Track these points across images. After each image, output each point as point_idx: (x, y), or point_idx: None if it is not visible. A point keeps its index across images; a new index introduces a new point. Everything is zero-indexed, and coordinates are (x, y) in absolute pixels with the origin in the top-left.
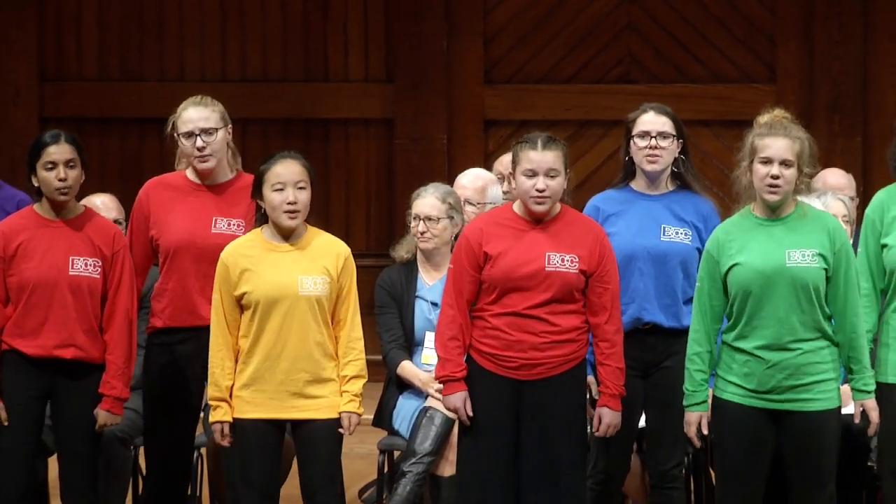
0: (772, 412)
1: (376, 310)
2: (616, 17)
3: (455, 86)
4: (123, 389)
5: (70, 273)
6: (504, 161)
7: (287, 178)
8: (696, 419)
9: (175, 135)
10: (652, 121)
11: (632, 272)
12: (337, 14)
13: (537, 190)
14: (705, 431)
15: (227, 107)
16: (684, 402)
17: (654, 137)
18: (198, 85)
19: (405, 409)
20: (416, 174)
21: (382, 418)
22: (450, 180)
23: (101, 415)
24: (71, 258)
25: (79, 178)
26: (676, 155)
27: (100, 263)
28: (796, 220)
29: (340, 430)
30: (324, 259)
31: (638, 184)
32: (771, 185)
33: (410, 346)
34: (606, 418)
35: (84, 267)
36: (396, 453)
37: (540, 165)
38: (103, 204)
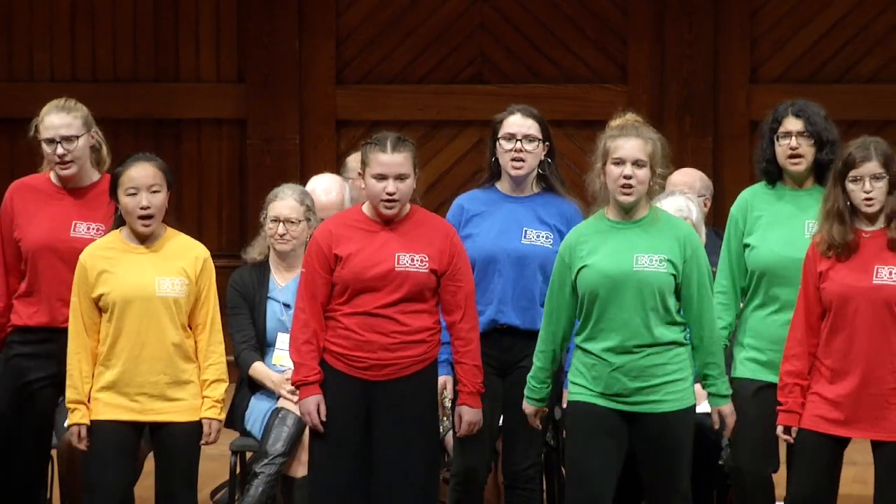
0: (623, 413)
1: (227, 310)
2: (468, 17)
3: (307, 86)
4: None
5: None
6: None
7: (140, 182)
8: (532, 412)
9: (38, 138)
10: (518, 123)
11: (492, 274)
12: (188, 13)
13: (388, 194)
14: (538, 425)
15: None
16: (525, 392)
17: (520, 140)
18: (48, 85)
19: (257, 409)
20: (268, 174)
21: (234, 419)
22: (302, 180)
23: None
24: None
25: None
26: (542, 158)
27: None
28: (648, 224)
29: (202, 441)
30: (182, 261)
31: (503, 185)
32: (624, 186)
33: (262, 347)
34: (467, 416)
35: None
36: (248, 454)
37: (390, 169)
38: None
